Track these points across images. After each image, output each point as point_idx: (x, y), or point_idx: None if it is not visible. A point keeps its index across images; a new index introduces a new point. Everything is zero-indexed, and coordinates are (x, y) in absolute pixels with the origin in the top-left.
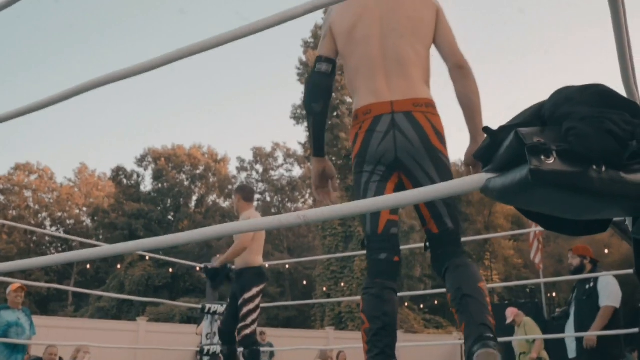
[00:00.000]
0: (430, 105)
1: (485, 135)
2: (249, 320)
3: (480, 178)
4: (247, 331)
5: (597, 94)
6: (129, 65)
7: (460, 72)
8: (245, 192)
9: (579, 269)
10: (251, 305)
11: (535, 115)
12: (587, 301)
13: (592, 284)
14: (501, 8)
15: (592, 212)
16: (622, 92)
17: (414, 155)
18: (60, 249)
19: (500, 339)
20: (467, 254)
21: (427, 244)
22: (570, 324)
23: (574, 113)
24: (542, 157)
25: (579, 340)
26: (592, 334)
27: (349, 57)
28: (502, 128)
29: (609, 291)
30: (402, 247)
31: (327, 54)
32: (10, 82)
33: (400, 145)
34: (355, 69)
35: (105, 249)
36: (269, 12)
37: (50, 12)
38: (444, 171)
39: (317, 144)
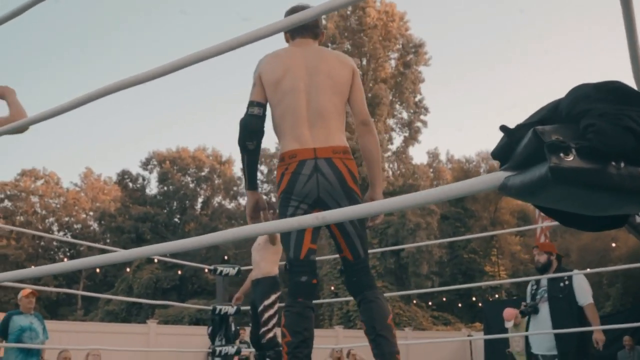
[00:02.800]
0: (346, 152)
1: (502, 134)
2: (271, 324)
3: (498, 176)
4: (270, 335)
5: (615, 90)
6: (134, 71)
7: (365, 128)
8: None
9: (546, 266)
10: (271, 311)
11: (552, 113)
12: (564, 299)
13: (566, 282)
14: (501, 8)
15: (612, 208)
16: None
17: (333, 195)
18: (68, 254)
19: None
20: (375, 282)
21: (342, 269)
22: (542, 320)
23: (591, 110)
24: (562, 155)
25: (559, 338)
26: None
27: (277, 106)
28: (519, 126)
29: (586, 289)
30: (409, 245)
31: (258, 99)
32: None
33: (322, 187)
34: (282, 116)
35: (119, 254)
36: (269, 13)
37: (51, 12)
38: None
39: (251, 179)
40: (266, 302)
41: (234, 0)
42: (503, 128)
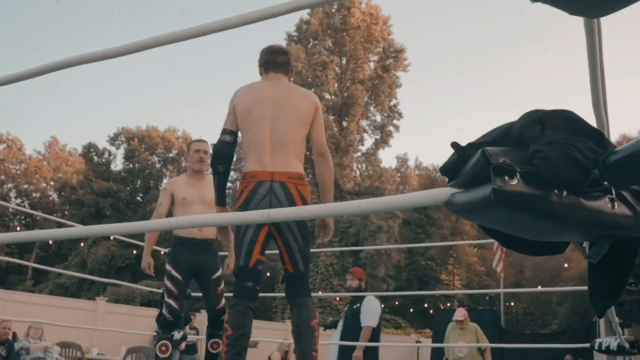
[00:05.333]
0: (300, 177)
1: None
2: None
3: (445, 192)
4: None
5: (566, 119)
6: (132, 70)
7: (322, 159)
8: None
9: (357, 290)
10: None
11: (504, 135)
12: (352, 320)
13: (358, 305)
14: (500, 6)
15: (551, 235)
16: (592, 116)
17: None
18: (23, 222)
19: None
20: (309, 292)
21: (284, 278)
22: (337, 335)
23: (541, 136)
24: (506, 178)
25: (341, 351)
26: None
27: (245, 133)
28: (469, 145)
29: (369, 312)
30: (368, 247)
31: (230, 127)
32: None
33: (274, 207)
34: (249, 142)
35: (78, 229)
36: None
37: (50, 12)
38: (303, 229)
39: (220, 196)
40: (222, 271)
41: (234, 0)
42: (454, 145)
